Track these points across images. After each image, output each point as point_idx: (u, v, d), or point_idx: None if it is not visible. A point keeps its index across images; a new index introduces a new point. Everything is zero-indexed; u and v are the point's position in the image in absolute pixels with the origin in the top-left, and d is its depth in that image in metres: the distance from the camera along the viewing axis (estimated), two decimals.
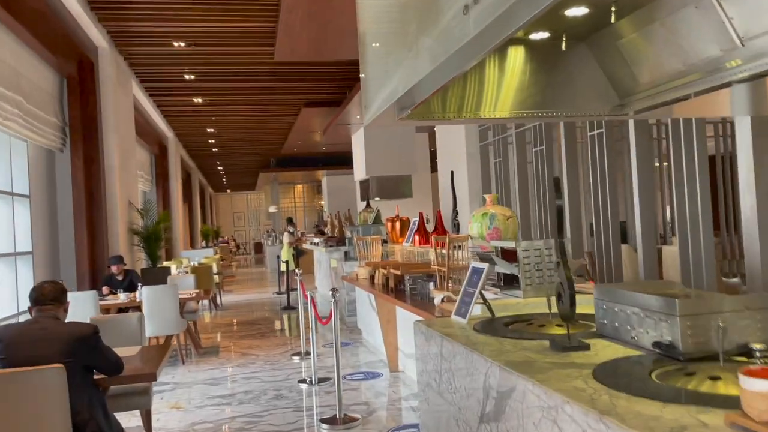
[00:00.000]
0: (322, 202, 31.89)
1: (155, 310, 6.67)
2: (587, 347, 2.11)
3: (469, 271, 3.25)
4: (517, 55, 2.75)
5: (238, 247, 34.70)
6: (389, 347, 5.88)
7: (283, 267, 12.36)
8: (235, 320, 10.11)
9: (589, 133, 5.98)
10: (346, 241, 10.37)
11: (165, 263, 13.65)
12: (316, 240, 12.65)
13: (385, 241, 7.34)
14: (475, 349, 2.22)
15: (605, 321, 2.30)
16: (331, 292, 4.46)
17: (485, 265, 3.08)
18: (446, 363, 2.62)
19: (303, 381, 5.69)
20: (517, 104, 3.18)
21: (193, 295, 7.22)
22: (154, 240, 9.35)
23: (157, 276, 9.19)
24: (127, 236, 9.13)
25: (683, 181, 3.72)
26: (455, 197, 5.21)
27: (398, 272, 5.18)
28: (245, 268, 24.55)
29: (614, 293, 2.22)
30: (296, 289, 11.62)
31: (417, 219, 6.66)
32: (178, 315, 6.76)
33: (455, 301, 4.48)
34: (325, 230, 14.94)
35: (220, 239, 27.70)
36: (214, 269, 12.28)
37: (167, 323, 6.70)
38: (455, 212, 5.05)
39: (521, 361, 1.98)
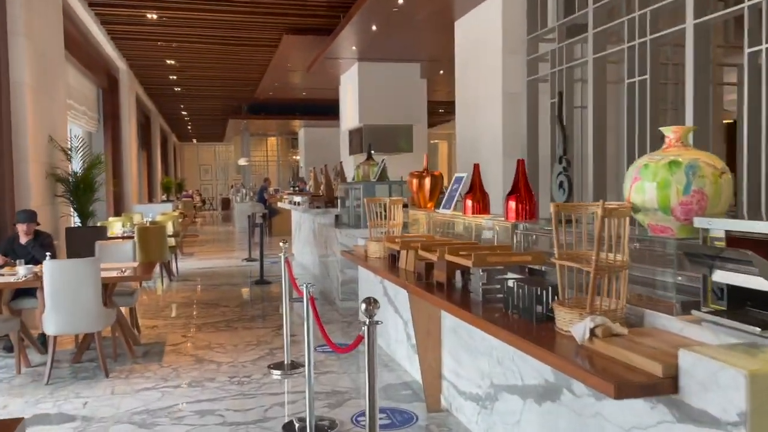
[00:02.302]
0: (298, 157, 29.36)
1: (62, 297, 4.40)
2: None
3: None
4: None
5: (204, 202, 32.13)
6: (428, 373, 3.75)
7: None
8: (193, 297, 7.87)
9: (747, 50, 3.86)
10: (338, 201, 8.16)
11: (111, 219, 11.26)
12: (297, 199, 10.39)
13: (404, 206, 5.17)
14: None
15: None
16: (364, 307, 2.27)
17: None
18: None
19: (290, 427, 3.54)
20: None
21: (126, 272, 4.94)
22: (84, 190, 6.98)
23: (85, 239, 6.88)
24: (45, 183, 6.75)
25: None
26: (565, 137, 3.05)
27: (467, 263, 3.01)
28: (211, 226, 22.14)
29: None
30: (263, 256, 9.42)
31: (465, 176, 4.49)
32: (98, 305, 4.50)
33: (617, 335, 2.35)
34: (306, 187, 12.69)
35: (184, 193, 25.14)
36: (170, 229, 9.95)
37: (79, 318, 4.44)
38: (563, 161, 2.92)
39: None
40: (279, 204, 14.01)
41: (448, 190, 4.59)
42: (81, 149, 7.31)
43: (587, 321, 2.16)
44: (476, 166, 4.13)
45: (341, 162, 9.41)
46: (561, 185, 3.08)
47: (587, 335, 2.14)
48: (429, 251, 3.62)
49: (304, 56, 11.92)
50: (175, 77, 15.43)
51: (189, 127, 27.50)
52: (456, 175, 4.61)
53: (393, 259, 4.62)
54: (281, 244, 4.71)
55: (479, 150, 7.62)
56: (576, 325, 2.20)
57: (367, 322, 2.27)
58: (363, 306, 2.29)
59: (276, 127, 26.13)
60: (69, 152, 7.16)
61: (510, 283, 2.82)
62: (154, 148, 21.32)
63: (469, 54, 7.89)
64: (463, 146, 8.16)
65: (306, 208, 9.35)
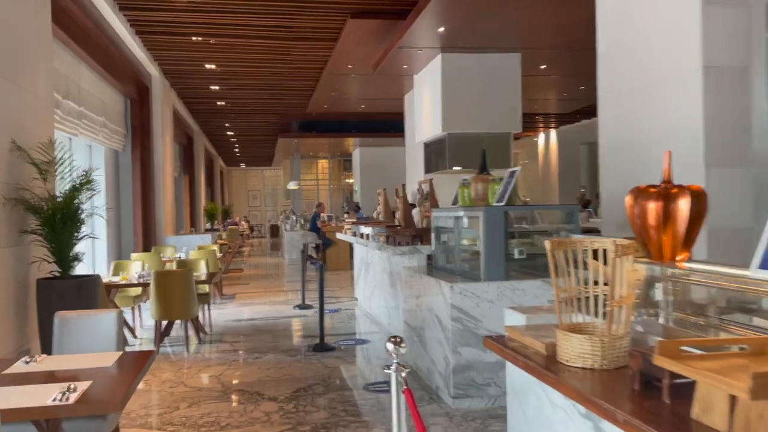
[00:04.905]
0: (351, 180, 27.07)
1: None
2: None
3: None
4: None
5: (251, 229, 30.22)
6: None
7: None
8: (226, 378, 5.43)
9: None
10: (432, 237, 5.63)
11: (134, 256, 9.05)
12: (365, 230, 7.89)
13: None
14: None
15: None
16: None
17: None
18: None
19: None
20: None
21: (72, 393, 2.50)
22: (64, 223, 4.66)
23: (67, 296, 4.56)
24: (5, 213, 4.48)
25: None
26: None
27: None
28: (258, 257, 19.97)
29: None
30: (319, 301, 6.69)
31: None
32: None
33: None
34: (376, 215, 10.26)
35: (229, 220, 23.14)
36: (202, 271, 7.61)
37: None
38: None
39: None
40: (337, 235, 11.61)
41: None
42: (64, 162, 5.00)
43: None
44: None
45: (431, 180, 6.87)
46: None
47: None
48: None
49: (369, 51, 9.56)
50: (217, 88, 13.34)
51: (236, 150, 25.66)
52: None
53: (643, 382, 2.05)
54: (390, 346, 2.20)
55: (648, 159, 4.95)
56: None
57: None
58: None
59: (328, 148, 23.98)
60: (41, 167, 4.85)
61: None
62: (197, 172, 19.38)
63: (628, 17, 5.29)
64: (614, 156, 5.49)
65: (381, 245, 6.83)
